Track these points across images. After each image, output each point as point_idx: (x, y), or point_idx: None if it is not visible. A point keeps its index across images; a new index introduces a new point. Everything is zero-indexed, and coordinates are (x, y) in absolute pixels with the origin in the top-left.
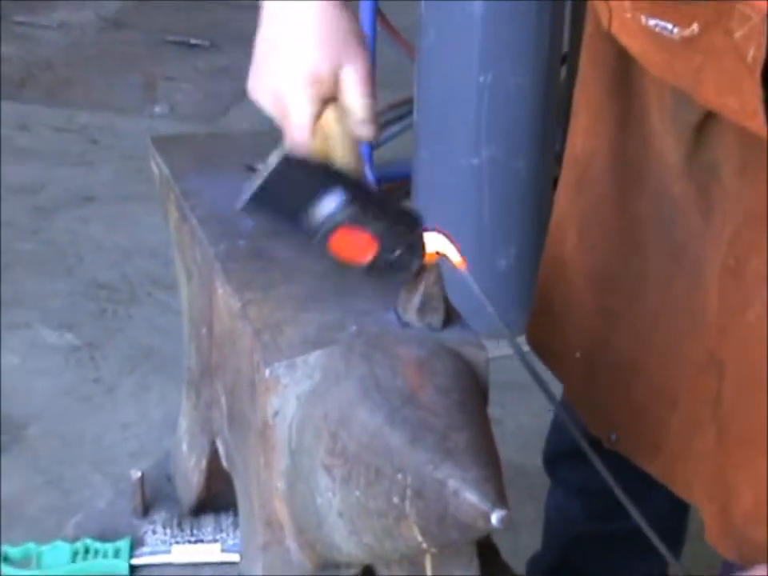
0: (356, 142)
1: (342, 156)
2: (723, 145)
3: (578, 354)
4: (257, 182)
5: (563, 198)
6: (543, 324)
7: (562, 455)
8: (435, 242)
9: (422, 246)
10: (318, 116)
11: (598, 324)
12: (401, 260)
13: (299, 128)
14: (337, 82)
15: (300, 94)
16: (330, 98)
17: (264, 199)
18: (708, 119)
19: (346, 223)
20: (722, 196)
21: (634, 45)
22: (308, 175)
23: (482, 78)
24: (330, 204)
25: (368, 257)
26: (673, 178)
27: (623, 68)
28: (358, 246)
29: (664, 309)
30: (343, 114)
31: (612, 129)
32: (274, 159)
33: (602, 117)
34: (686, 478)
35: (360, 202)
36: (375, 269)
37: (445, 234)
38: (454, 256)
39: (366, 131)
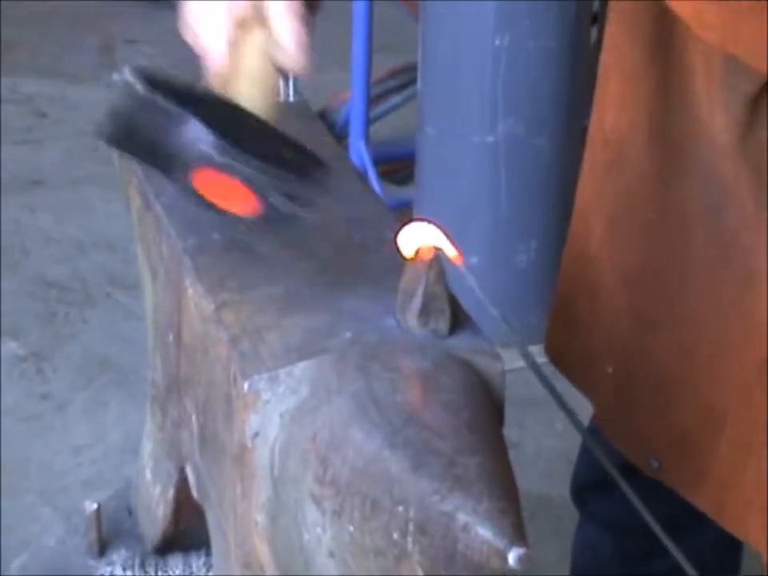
0: (277, 77)
1: (258, 92)
2: None
3: (609, 369)
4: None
5: (589, 182)
6: (565, 332)
7: (591, 485)
8: (421, 231)
9: (314, 197)
10: (236, 43)
11: (633, 332)
12: (287, 211)
13: (212, 56)
14: (259, 5)
15: (214, 17)
16: (251, 23)
17: (121, 130)
18: (765, 92)
19: (206, 165)
20: None
21: (685, 6)
22: (174, 101)
23: (497, 41)
24: (193, 138)
25: (248, 207)
26: (723, 159)
27: (663, 34)
28: (232, 193)
29: (709, 312)
30: (265, 41)
31: (652, 101)
32: (129, 77)
33: (640, 88)
34: (736, 512)
35: (243, 140)
36: (264, 222)
37: (433, 223)
38: (448, 248)
39: (291, 62)
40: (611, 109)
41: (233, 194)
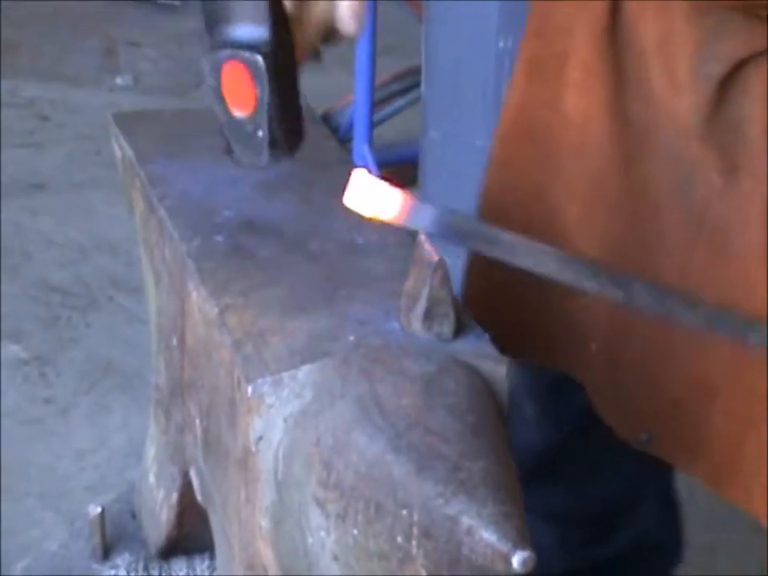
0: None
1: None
2: (750, 99)
3: (593, 347)
4: None
5: (562, 163)
6: (535, 323)
7: (526, 475)
8: (362, 180)
9: (297, 142)
10: None
11: (613, 310)
12: (270, 143)
13: None
14: None
15: None
16: None
17: None
18: (735, 71)
19: (242, 58)
20: (748, 155)
21: None
22: None
23: (501, 43)
24: (251, 32)
25: (241, 110)
26: (688, 139)
27: (612, 18)
28: (240, 92)
29: (685, 282)
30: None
31: (608, 85)
32: None
33: (595, 72)
34: (738, 484)
35: (277, 58)
36: (234, 130)
37: (384, 178)
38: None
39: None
40: (573, 92)
41: (242, 96)
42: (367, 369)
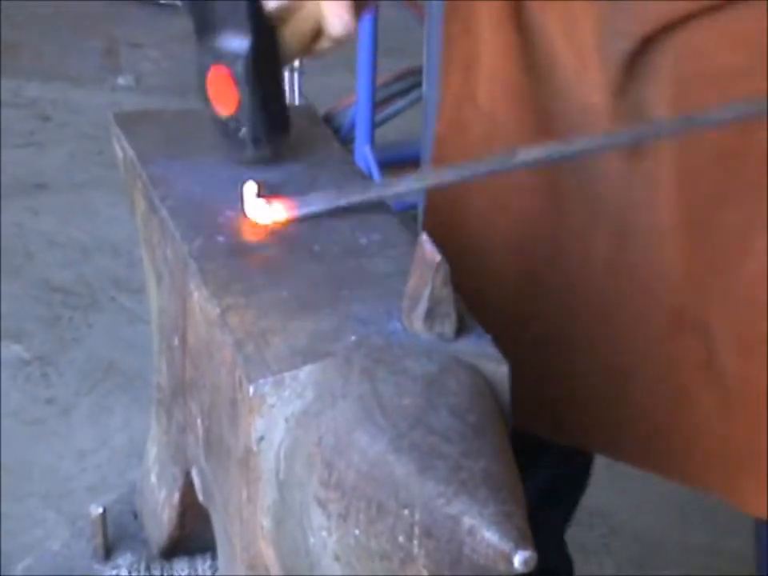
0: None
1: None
2: (656, 78)
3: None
4: None
5: (474, 153)
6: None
7: None
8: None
9: (280, 140)
10: None
11: (519, 297)
12: (252, 141)
13: None
14: None
15: None
16: None
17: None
18: (642, 49)
19: (225, 64)
20: (654, 139)
21: None
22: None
23: None
24: (233, 38)
25: (224, 111)
26: (594, 120)
27: (519, 4)
28: (224, 95)
29: (586, 272)
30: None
31: (515, 71)
32: None
33: (502, 60)
34: (676, 458)
35: (259, 63)
36: (221, 129)
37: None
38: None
39: (334, 26)
40: (483, 82)
41: (225, 97)
42: (369, 369)
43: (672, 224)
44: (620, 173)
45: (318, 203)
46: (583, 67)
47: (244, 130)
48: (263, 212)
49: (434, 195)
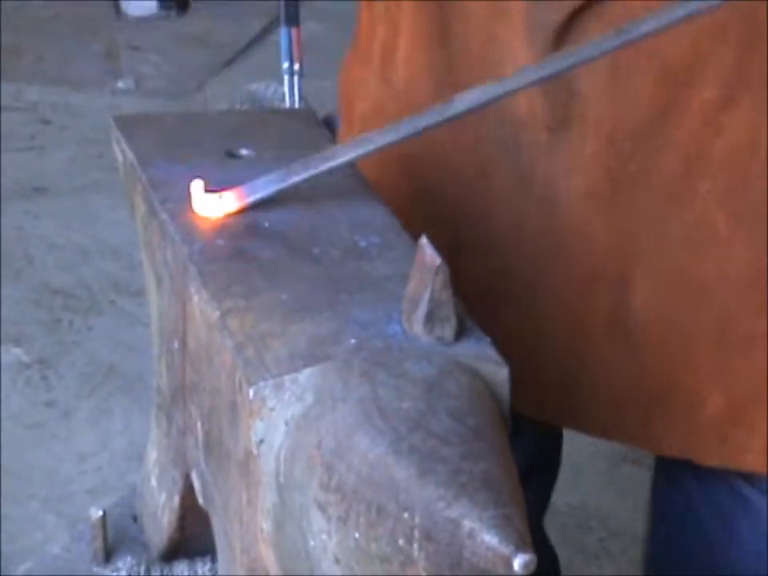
0: None
1: None
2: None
3: None
4: None
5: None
6: None
7: None
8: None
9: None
10: None
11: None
12: None
13: None
14: None
15: None
16: None
17: None
18: (572, 20)
19: None
20: (577, 109)
21: None
22: None
23: None
24: None
25: None
26: (518, 99)
27: None
28: None
29: (520, 235)
30: None
31: (433, 51)
32: None
33: (419, 43)
34: (592, 413)
35: None
36: None
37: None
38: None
39: None
40: (401, 65)
41: None
42: (369, 372)
43: (590, 189)
44: (546, 142)
45: (266, 187)
46: (510, 42)
47: None
48: (213, 206)
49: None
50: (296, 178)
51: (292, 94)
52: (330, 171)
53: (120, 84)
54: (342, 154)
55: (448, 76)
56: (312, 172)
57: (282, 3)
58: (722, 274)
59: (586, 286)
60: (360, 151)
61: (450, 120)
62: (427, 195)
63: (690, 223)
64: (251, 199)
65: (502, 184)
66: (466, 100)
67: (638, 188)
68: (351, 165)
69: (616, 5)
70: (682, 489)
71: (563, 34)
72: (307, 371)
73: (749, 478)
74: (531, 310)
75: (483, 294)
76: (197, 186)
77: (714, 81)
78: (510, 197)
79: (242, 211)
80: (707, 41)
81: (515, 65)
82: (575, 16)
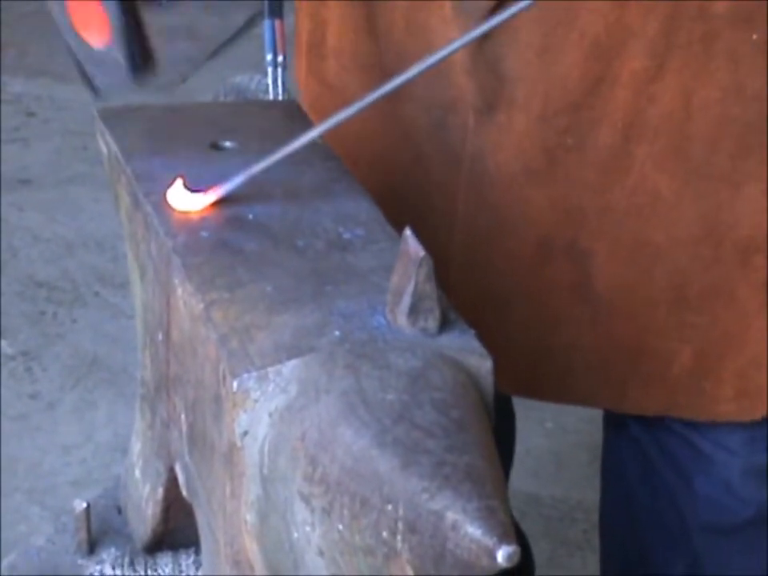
0: None
1: None
2: (509, 33)
3: None
4: None
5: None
6: None
7: None
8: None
9: (152, 62)
10: None
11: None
12: (130, 66)
13: None
14: None
15: None
16: None
17: None
18: (501, 5)
19: None
20: (504, 92)
21: None
22: None
23: None
24: None
25: (97, 41)
26: (447, 77)
27: None
28: (92, 21)
29: (452, 216)
30: None
31: (360, 47)
32: None
33: (347, 37)
34: (558, 380)
35: None
36: (98, 64)
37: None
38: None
39: None
40: (331, 59)
41: (93, 22)
42: (353, 364)
43: (526, 165)
44: (475, 124)
45: (235, 178)
46: (438, 29)
47: (120, 56)
48: (188, 201)
49: None
50: (265, 163)
51: (276, 86)
52: (293, 157)
53: None
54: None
55: (377, 66)
56: (276, 156)
57: None
58: (671, 234)
59: (541, 259)
60: (315, 132)
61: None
62: (366, 185)
63: (631, 189)
64: (222, 191)
65: (434, 167)
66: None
67: (576, 160)
68: (334, 158)
69: None
70: (634, 440)
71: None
72: (291, 363)
73: (701, 429)
74: (488, 289)
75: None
76: (176, 184)
77: (642, 52)
78: (441, 179)
79: (217, 204)
80: (635, 15)
81: (437, 48)
82: (503, 2)
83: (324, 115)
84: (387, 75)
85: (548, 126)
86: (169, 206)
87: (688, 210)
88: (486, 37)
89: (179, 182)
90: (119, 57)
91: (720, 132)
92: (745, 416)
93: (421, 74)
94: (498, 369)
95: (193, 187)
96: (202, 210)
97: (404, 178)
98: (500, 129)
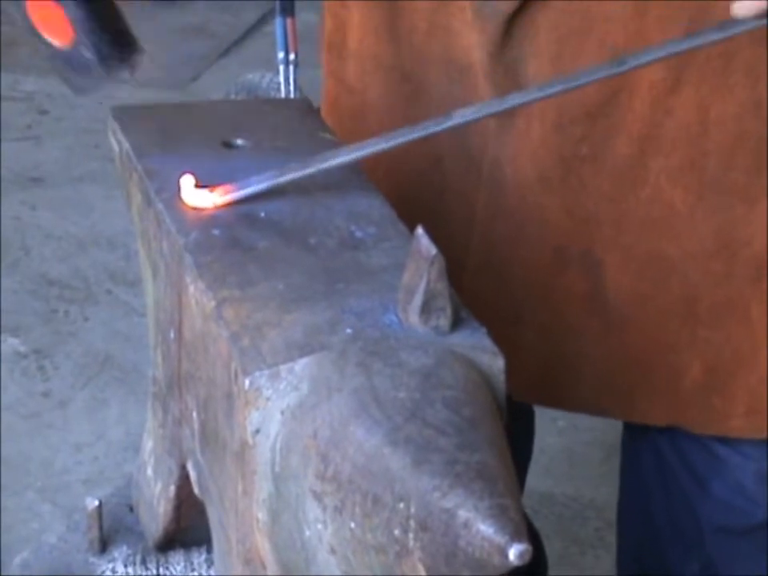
0: None
1: None
2: (531, 37)
3: None
4: None
5: (347, 130)
6: None
7: None
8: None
9: (129, 51)
10: None
11: None
12: (101, 62)
13: None
14: None
15: None
16: None
17: None
18: (522, 8)
19: None
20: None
21: None
22: None
23: None
24: None
25: (62, 41)
26: (469, 85)
27: None
28: (53, 22)
29: (474, 223)
30: None
31: (382, 50)
32: None
33: (368, 39)
34: (569, 388)
35: None
36: (68, 63)
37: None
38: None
39: None
40: (351, 61)
41: (55, 22)
42: (365, 362)
43: (541, 173)
44: (494, 128)
45: (255, 184)
46: (459, 32)
47: (88, 53)
48: (202, 199)
49: None
50: (288, 177)
51: (287, 84)
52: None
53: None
54: (338, 158)
55: (397, 68)
56: (304, 172)
57: None
58: (684, 248)
59: (556, 268)
60: (353, 155)
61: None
62: (384, 188)
63: (646, 201)
64: (239, 194)
65: (453, 168)
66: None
67: (591, 170)
68: None
69: None
70: (652, 443)
71: (513, 21)
72: (303, 361)
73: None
74: (502, 294)
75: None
76: (187, 180)
77: (661, 64)
78: (460, 183)
79: (230, 205)
80: (654, 25)
81: (465, 54)
82: (524, 5)
83: (343, 116)
84: (407, 78)
85: (563, 134)
86: (180, 203)
87: (702, 224)
88: (505, 40)
89: (189, 178)
90: (87, 54)
91: (736, 147)
92: (755, 433)
93: (446, 129)
94: (509, 373)
95: (203, 184)
96: (215, 208)
97: (422, 182)
98: (519, 135)
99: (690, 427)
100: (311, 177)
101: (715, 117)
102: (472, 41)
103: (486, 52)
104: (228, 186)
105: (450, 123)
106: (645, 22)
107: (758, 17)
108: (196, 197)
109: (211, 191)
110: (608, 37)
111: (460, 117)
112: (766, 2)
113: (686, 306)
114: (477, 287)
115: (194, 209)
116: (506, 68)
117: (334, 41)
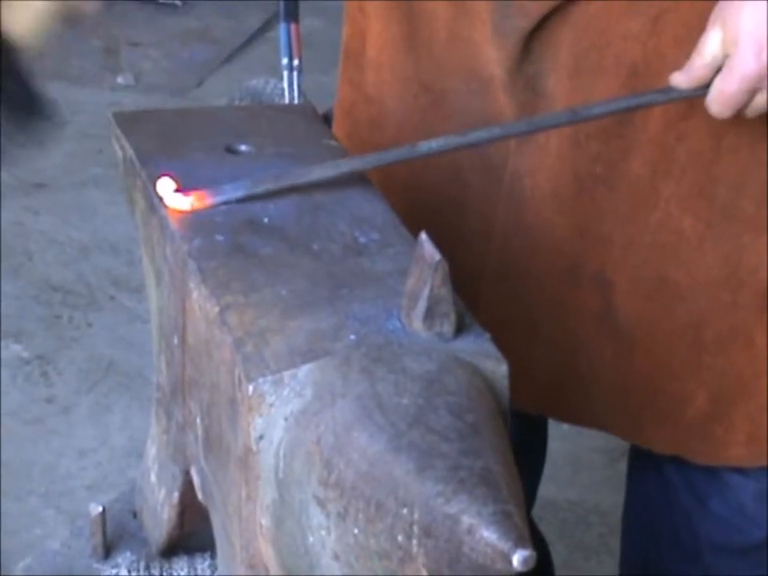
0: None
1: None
2: (551, 52)
3: None
4: None
5: (363, 139)
6: None
7: None
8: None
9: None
10: None
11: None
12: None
13: None
14: None
15: None
16: None
17: None
18: (541, 25)
19: None
20: (543, 109)
21: None
22: None
23: None
24: None
25: None
26: (488, 96)
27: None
28: None
29: (491, 235)
30: None
31: (403, 55)
32: None
33: (388, 49)
34: (573, 406)
35: None
36: None
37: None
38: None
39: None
40: (370, 70)
41: None
42: (368, 368)
43: (555, 189)
44: (516, 143)
45: (232, 192)
46: (479, 44)
47: None
48: (181, 202)
49: None
50: (264, 188)
51: (291, 90)
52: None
53: (119, 80)
54: (316, 173)
55: (416, 79)
56: (279, 185)
57: None
58: (692, 275)
59: (569, 285)
60: (331, 172)
61: (416, 158)
62: (401, 200)
63: (656, 226)
64: (216, 200)
65: (472, 180)
66: (431, 144)
67: (603, 190)
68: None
69: (581, 9)
70: (656, 459)
71: (532, 37)
72: (306, 367)
73: None
74: (517, 308)
75: (461, 287)
76: (165, 185)
77: None
78: (480, 195)
79: (206, 208)
80: (671, 45)
81: (485, 66)
82: (543, 22)
83: (360, 124)
84: (426, 89)
85: (579, 150)
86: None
87: (710, 251)
88: (524, 55)
89: (168, 181)
90: None
91: (747, 176)
92: (754, 461)
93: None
94: (520, 386)
95: (186, 187)
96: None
97: (440, 193)
98: (539, 148)
99: (693, 457)
100: (314, 182)
101: (727, 145)
102: (491, 56)
103: (504, 67)
104: (204, 192)
105: (416, 152)
106: (662, 40)
107: (697, 88)
108: (176, 200)
109: (186, 195)
110: (626, 54)
111: (426, 146)
112: (704, 74)
113: (693, 333)
114: (493, 298)
115: (202, 213)
116: (525, 82)
117: (352, 47)
